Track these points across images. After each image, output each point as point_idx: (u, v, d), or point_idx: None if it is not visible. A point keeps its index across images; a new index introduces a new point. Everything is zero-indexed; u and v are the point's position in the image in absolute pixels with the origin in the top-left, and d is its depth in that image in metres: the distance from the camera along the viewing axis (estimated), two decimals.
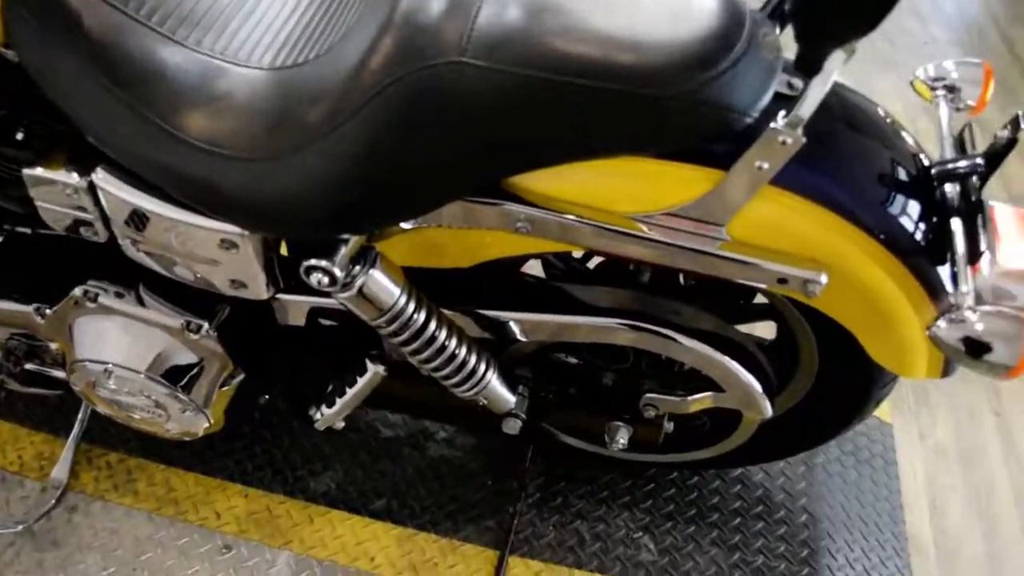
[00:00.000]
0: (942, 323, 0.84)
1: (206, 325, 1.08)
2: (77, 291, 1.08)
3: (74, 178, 0.94)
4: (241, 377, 1.17)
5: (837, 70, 0.74)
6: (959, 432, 1.63)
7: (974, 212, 0.89)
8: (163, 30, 0.86)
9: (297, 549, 1.32)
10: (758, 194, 0.84)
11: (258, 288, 1.00)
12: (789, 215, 0.86)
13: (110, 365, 1.10)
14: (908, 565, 1.41)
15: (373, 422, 1.47)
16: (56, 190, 0.94)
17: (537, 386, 1.14)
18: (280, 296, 1.04)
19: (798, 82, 0.86)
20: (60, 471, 1.35)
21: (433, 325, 0.98)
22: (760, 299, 1.13)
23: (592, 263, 1.22)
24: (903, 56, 2.64)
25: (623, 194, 0.87)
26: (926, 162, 0.93)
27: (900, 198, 0.90)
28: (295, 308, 1.07)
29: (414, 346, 0.98)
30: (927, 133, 2.26)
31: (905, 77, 1.08)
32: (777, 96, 0.82)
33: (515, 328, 1.05)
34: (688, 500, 1.41)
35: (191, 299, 1.10)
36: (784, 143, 0.77)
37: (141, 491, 1.37)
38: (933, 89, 1.02)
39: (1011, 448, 1.62)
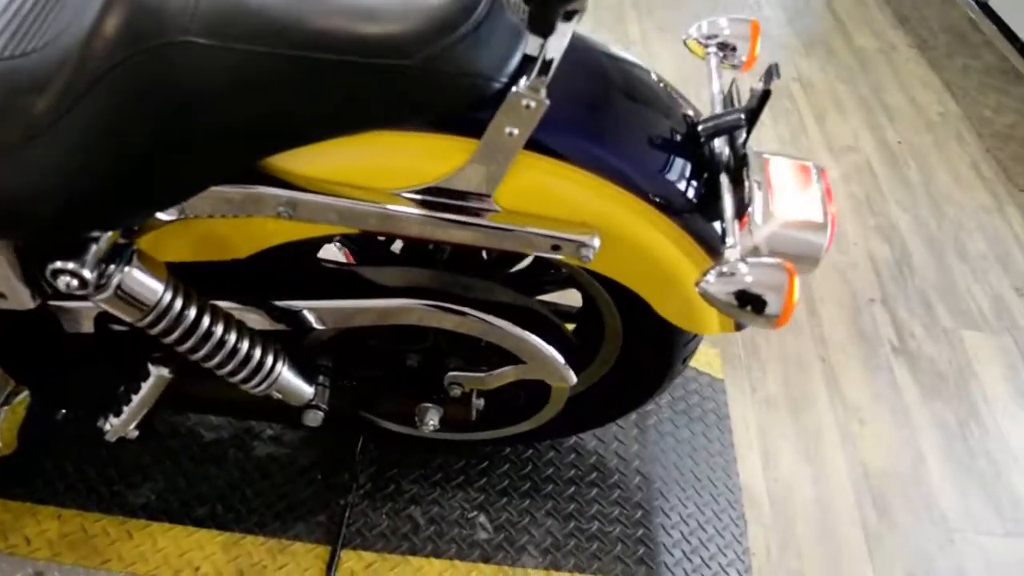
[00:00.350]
0: (710, 277, 0.84)
1: None
2: None
3: None
4: (25, 395, 1.09)
5: (571, 29, 0.73)
6: (788, 382, 1.69)
7: (740, 166, 0.90)
8: None
9: (116, 567, 1.25)
10: (522, 162, 0.83)
11: (20, 297, 0.92)
12: (555, 181, 0.85)
13: None
14: (742, 516, 1.45)
15: (195, 426, 1.40)
16: None
17: (339, 374, 1.11)
18: (61, 304, 0.97)
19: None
20: None
21: (207, 321, 0.93)
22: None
23: (397, 245, 1.20)
24: None
25: (385, 170, 0.84)
26: (694, 121, 0.94)
27: (668, 157, 0.90)
28: (82, 315, 1.00)
29: (189, 344, 0.92)
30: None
31: None
32: (531, 59, 0.80)
33: (310, 316, 1.02)
34: (522, 474, 1.41)
35: None
36: (528, 107, 0.76)
37: None
38: (706, 47, 1.03)
39: (836, 392, 1.68)
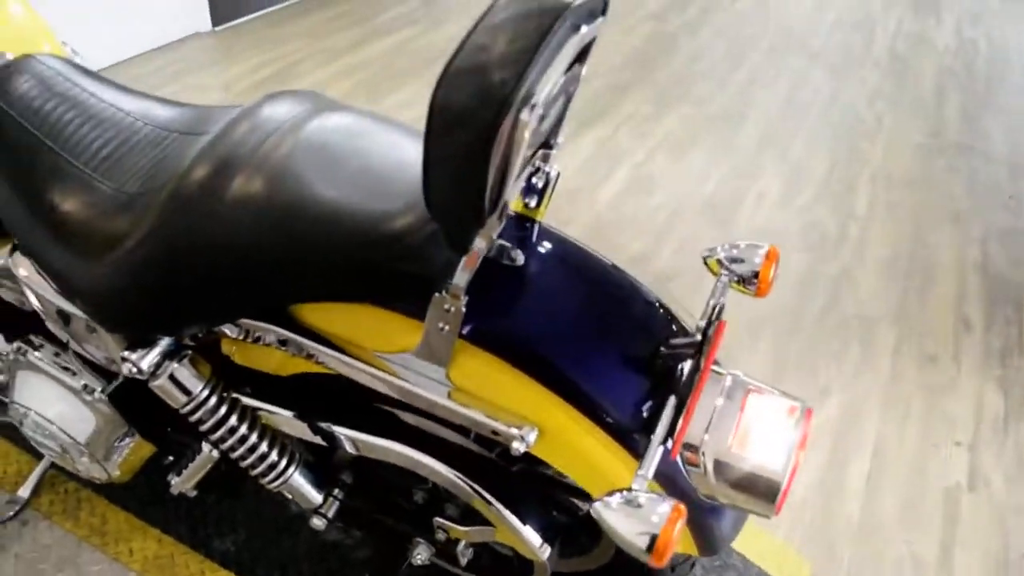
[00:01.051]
0: (608, 499, 0.85)
1: (99, 390, 1.28)
2: (15, 345, 1.32)
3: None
4: (136, 439, 1.36)
5: (486, 246, 0.83)
6: None
7: (686, 392, 0.91)
8: (60, 150, 1.08)
9: None
10: (467, 351, 0.93)
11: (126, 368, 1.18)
12: (496, 374, 0.94)
13: (29, 410, 1.32)
14: None
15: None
16: None
17: (352, 491, 1.24)
18: None
19: (518, 254, 0.95)
20: (25, 490, 1.60)
21: (235, 419, 1.12)
22: None
23: None
24: None
25: (368, 333, 0.98)
26: (656, 334, 0.97)
27: (614, 370, 0.94)
28: None
29: (217, 435, 1.12)
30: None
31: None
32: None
33: (343, 439, 1.16)
34: None
35: (101, 367, 1.30)
36: (448, 310, 0.86)
37: (82, 519, 1.59)
38: (723, 266, 1.05)
39: None
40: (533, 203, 1.01)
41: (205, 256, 0.95)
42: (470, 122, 0.69)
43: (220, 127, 1.02)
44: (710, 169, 3.01)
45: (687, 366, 0.95)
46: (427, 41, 3.92)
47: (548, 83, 0.73)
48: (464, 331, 0.92)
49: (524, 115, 0.70)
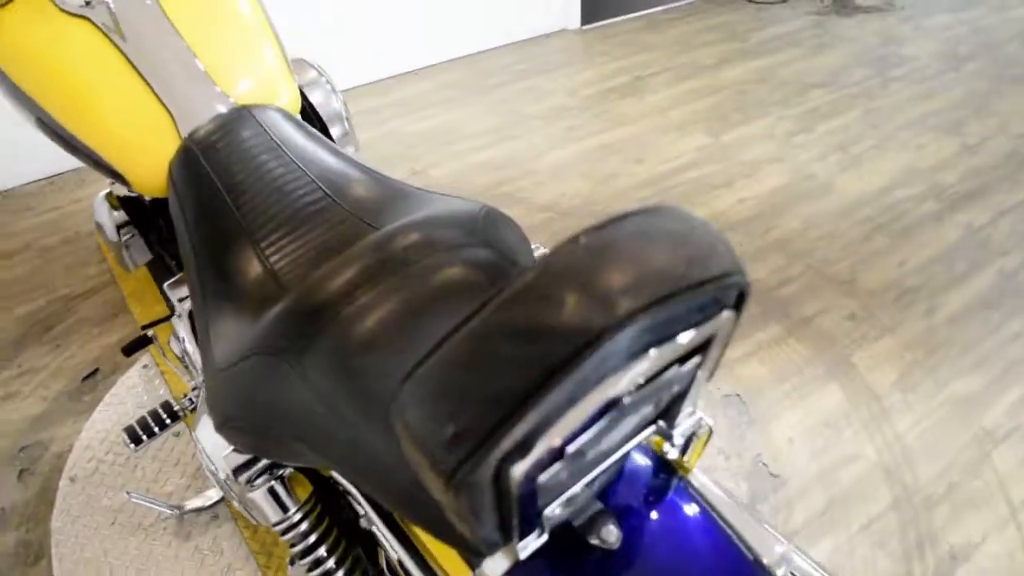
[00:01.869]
0: None
1: None
2: (194, 384, 1.35)
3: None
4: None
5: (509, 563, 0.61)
6: None
7: None
8: (239, 214, 1.03)
9: None
10: None
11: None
12: None
13: (197, 441, 1.34)
14: None
15: None
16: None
17: None
18: None
19: (612, 533, 0.70)
20: None
21: (323, 550, 1.01)
22: None
23: None
24: None
25: (434, 546, 0.81)
26: None
27: None
28: None
29: (304, 561, 1.02)
30: None
31: None
32: None
33: None
34: None
35: None
36: None
37: (259, 531, 1.62)
38: None
39: None
40: (673, 453, 0.74)
41: (276, 405, 0.83)
42: (426, 465, 0.47)
43: (387, 229, 0.87)
44: None
45: None
46: (798, 69, 3.50)
47: (571, 425, 0.46)
48: None
49: (516, 470, 0.46)
